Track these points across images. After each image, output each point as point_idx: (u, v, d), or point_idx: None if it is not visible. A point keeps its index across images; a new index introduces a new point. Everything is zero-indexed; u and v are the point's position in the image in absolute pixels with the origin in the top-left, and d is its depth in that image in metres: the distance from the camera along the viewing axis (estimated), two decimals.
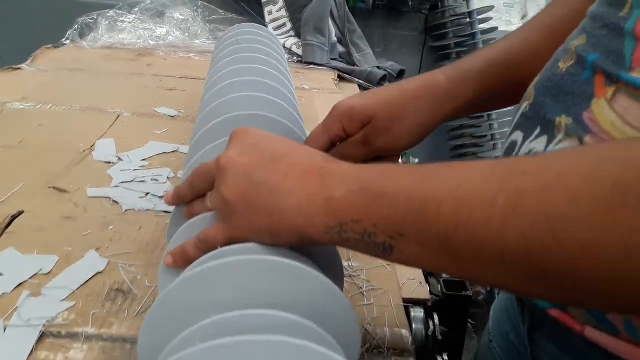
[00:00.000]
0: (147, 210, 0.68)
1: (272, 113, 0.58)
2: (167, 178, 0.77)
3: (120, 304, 0.52)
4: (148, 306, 0.52)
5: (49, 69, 1.23)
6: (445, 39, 1.83)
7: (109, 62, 1.33)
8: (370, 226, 0.31)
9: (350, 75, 1.45)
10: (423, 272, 0.60)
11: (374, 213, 0.31)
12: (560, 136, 0.37)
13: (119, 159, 0.81)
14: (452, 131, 1.93)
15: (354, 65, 1.52)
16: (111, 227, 0.63)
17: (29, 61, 1.26)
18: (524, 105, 0.44)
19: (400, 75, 1.58)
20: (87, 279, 0.54)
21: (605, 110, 0.34)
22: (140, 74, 1.24)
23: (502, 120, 1.87)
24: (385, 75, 1.47)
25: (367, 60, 1.56)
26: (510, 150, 0.43)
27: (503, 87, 0.51)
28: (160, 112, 1.01)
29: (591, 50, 0.38)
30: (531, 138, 0.41)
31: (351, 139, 0.52)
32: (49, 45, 1.37)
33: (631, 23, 0.35)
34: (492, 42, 1.82)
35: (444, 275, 0.59)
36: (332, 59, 1.52)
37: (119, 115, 0.97)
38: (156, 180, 0.76)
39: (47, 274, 0.55)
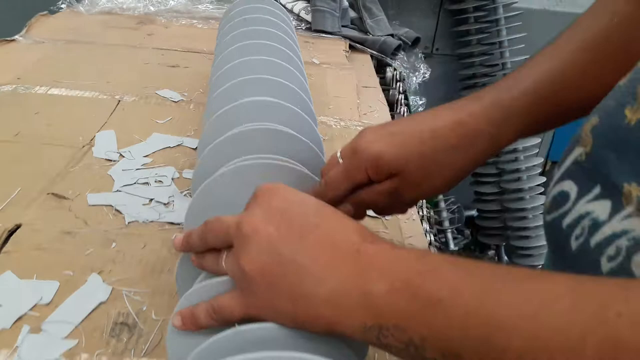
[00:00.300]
0: (152, 221, 0.64)
1: (280, 97, 0.58)
2: (172, 179, 0.72)
3: (125, 340, 0.49)
4: (155, 344, 0.49)
5: (44, 39, 1.16)
6: (463, 1, 1.72)
7: (108, 30, 1.26)
8: (417, 338, 0.27)
9: (363, 45, 1.37)
10: None
11: (423, 324, 0.26)
12: (629, 209, 0.31)
13: (120, 155, 0.77)
14: (464, 80, 1.84)
15: (366, 33, 1.44)
16: (114, 244, 0.59)
17: (23, 31, 1.19)
18: (579, 152, 0.37)
19: (415, 43, 1.49)
20: (90, 311, 0.51)
21: None
22: (140, 47, 1.17)
23: (515, 48, 1.74)
24: (399, 45, 1.40)
25: (381, 27, 1.47)
26: (560, 202, 0.37)
27: (551, 118, 0.45)
28: (163, 95, 0.96)
29: None
30: (588, 197, 0.35)
31: (377, 188, 0.46)
32: (45, 12, 1.29)
33: None
34: (514, 15, 1.71)
35: None
36: (343, 26, 1.44)
37: (119, 101, 0.91)
38: (160, 182, 0.72)
39: (47, 304, 0.52)
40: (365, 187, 0.47)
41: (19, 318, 0.50)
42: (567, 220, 0.36)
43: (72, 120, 0.84)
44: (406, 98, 1.20)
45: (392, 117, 1.02)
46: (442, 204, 2.02)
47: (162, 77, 1.03)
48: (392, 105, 1.12)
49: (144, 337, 0.50)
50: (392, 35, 1.43)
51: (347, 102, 1.02)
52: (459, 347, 0.25)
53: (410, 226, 0.71)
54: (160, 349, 0.48)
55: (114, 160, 0.75)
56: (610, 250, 0.32)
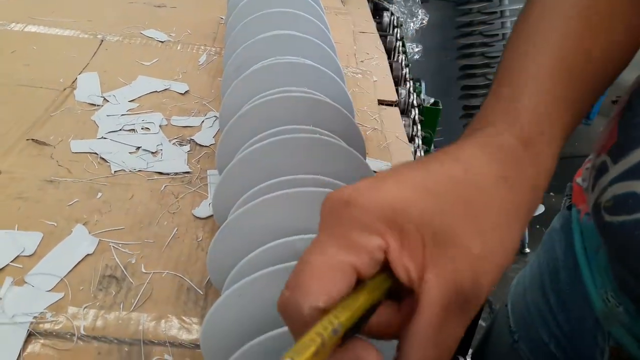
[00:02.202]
0: (139, 170, 0.61)
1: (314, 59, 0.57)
2: (160, 126, 0.69)
3: (114, 294, 0.47)
4: (146, 298, 0.47)
5: None
6: None
7: None
8: None
9: None
10: None
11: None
12: None
13: (104, 99, 0.72)
14: (462, 49, 1.80)
15: None
16: (99, 194, 0.56)
17: None
18: None
19: None
20: (75, 263, 0.49)
21: None
22: None
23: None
24: None
25: None
26: (632, 206, 0.33)
27: (584, 104, 0.34)
28: (148, 35, 0.90)
29: None
30: None
31: (426, 309, 0.25)
32: None
33: None
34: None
35: None
36: None
37: (102, 40, 0.86)
38: (147, 129, 0.68)
39: (30, 255, 0.49)
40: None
41: (1, 270, 0.47)
42: (634, 218, 0.32)
43: (51, 60, 0.79)
44: (403, 45, 1.15)
45: (390, 65, 0.98)
46: None
47: (147, 17, 0.97)
48: (389, 52, 1.07)
49: (133, 290, 0.48)
50: None
51: (344, 48, 0.97)
52: None
53: None
54: (151, 303, 0.47)
55: (98, 105, 0.71)
56: None
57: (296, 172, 0.42)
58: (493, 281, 0.25)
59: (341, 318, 0.22)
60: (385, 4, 1.27)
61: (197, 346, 0.44)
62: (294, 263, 0.34)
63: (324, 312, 0.22)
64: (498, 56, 1.76)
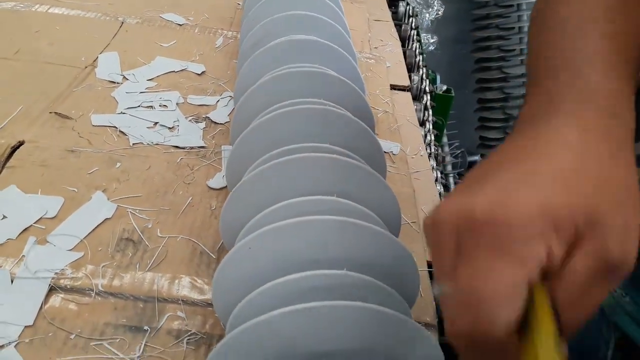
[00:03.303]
0: (157, 144, 0.63)
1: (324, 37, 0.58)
2: (176, 104, 0.71)
3: (130, 255, 0.49)
4: (160, 259, 0.49)
5: None
6: None
7: None
8: None
9: None
10: None
11: None
12: None
13: (124, 77, 0.75)
14: (478, 42, 1.80)
15: None
16: (118, 164, 0.59)
17: None
18: None
19: None
20: (95, 226, 0.51)
21: None
22: None
23: None
24: None
25: None
26: None
27: None
28: (167, 18, 0.93)
29: None
30: None
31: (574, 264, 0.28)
32: None
33: None
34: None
35: None
36: None
37: (122, 22, 0.88)
38: (165, 106, 0.70)
39: (52, 218, 0.52)
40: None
41: (25, 230, 0.50)
42: None
43: (74, 40, 0.82)
44: (418, 35, 1.16)
45: (404, 53, 0.99)
46: (447, 149, 2.00)
47: (166, 1, 0.99)
48: (403, 41, 1.08)
49: (148, 252, 0.50)
50: None
51: (358, 35, 0.98)
52: None
53: (417, 162, 0.71)
54: (166, 264, 0.49)
55: (118, 83, 0.74)
56: None
57: (305, 141, 0.44)
58: (636, 244, 0.26)
59: (551, 331, 0.23)
60: None
61: (209, 304, 0.46)
62: (300, 219, 0.36)
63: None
64: (514, 49, 1.76)
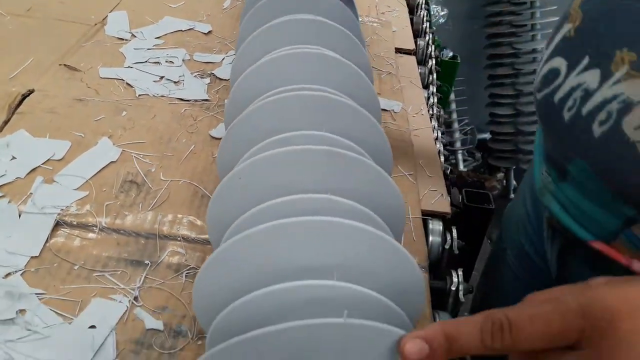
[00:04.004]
0: (162, 96, 0.64)
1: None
2: (182, 60, 0.72)
3: (134, 196, 0.51)
4: (162, 200, 0.51)
5: None
6: None
7: None
8: None
9: None
10: (445, 181, 0.58)
11: None
12: (619, 74, 0.32)
13: (132, 35, 0.76)
14: (489, 17, 1.78)
15: None
16: (124, 113, 0.60)
17: None
18: (567, 28, 0.38)
19: None
20: (100, 168, 0.53)
21: None
22: None
23: (547, 10, 1.70)
24: None
25: None
26: (551, 79, 0.38)
27: None
28: None
29: None
30: (578, 68, 0.35)
31: None
32: None
33: None
34: None
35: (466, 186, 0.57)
36: None
37: None
38: (171, 62, 0.71)
39: (59, 160, 0.53)
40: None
41: (33, 170, 0.52)
42: (559, 95, 0.37)
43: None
44: (427, 4, 1.15)
45: (411, 20, 0.99)
46: (456, 125, 2.00)
47: None
48: (412, 9, 1.08)
49: (151, 194, 0.52)
50: None
51: (365, 0, 0.98)
52: None
53: (419, 120, 0.72)
54: (168, 205, 0.51)
55: (126, 40, 0.75)
56: (602, 116, 0.33)
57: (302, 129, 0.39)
58: None
59: None
60: None
61: (208, 242, 0.48)
62: (292, 147, 0.36)
63: None
64: (525, 25, 1.74)
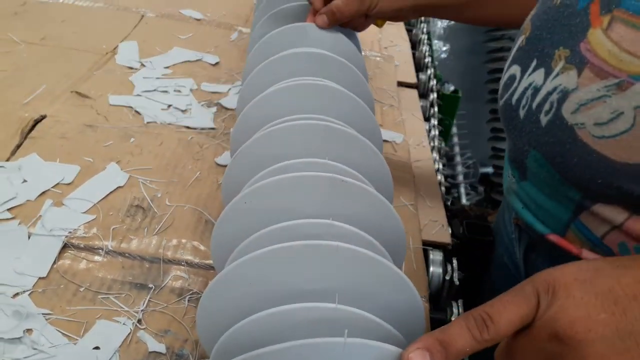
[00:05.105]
0: (169, 123, 0.66)
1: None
2: (190, 90, 0.74)
3: (140, 220, 0.52)
4: (167, 225, 0.52)
5: None
6: None
7: None
8: None
9: None
10: (446, 213, 0.59)
11: None
12: (558, 68, 0.38)
13: (142, 64, 0.79)
14: (491, 52, 1.82)
15: None
16: (132, 139, 0.62)
17: None
18: (521, 39, 0.44)
19: None
20: (107, 193, 0.54)
21: (602, 40, 0.35)
22: None
23: None
24: None
25: None
26: (509, 85, 0.44)
27: None
28: (185, 13, 0.97)
29: None
30: (529, 71, 0.41)
31: None
32: None
33: None
34: None
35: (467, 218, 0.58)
36: None
37: (143, 16, 0.93)
38: (179, 91, 0.74)
39: (69, 184, 0.55)
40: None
41: (43, 193, 0.53)
42: (515, 97, 0.42)
43: (97, 30, 0.86)
44: (429, 39, 1.19)
45: (413, 55, 1.02)
46: (458, 158, 2.02)
47: None
48: (414, 44, 1.11)
49: (156, 219, 0.53)
50: None
51: (368, 36, 1.01)
52: None
53: (420, 151, 0.73)
54: (172, 230, 0.52)
55: (136, 69, 0.77)
56: (546, 106, 0.38)
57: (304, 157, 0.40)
58: None
59: None
60: None
61: (211, 267, 0.49)
62: (296, 174, 0.37)
63: None
64: None
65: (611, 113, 0.33)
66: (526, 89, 0.41)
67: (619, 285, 0.27)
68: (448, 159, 2.00)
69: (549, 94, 0.38)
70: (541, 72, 0.39)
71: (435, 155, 0.77)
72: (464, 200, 2.02)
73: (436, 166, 0.74)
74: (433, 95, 0.92)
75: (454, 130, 1.87)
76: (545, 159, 0.39)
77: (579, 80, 0.35)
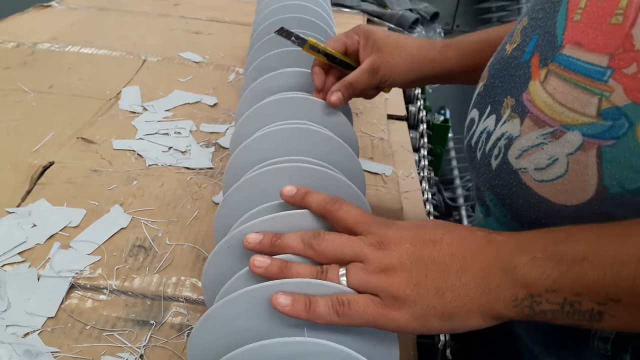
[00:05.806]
0: (170, 165, 0.70)
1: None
2: (190, 131, 0.78)
3: (142, 260, 0.56)
4: (167, 264, 0.56)
5: (77, 6, 1.24)
6: None
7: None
8: (571, 295, 0.29)
9: (381, 19, 1.41)
10: None
11: (575, 281, 0.29)
12: (505, 116, 0.40)
13: (144, 108, 0.83)
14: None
15: (385, 7, 1.47)
16: (135, 182, 0.66)
17: None
18: (480, 85, 0.46)
19: (434, 18, 1.52)
20: (111, 234, 0.58)
21: (539, 91, 0.37)
22: (167, 15, 1.23)
23: None
24: (417, 19, 1.43)
25: (400, 1, 1.50)
26: (470, 128, 0.47)
27: (479, 65, 0.53)
28: (185, 57, 1.02)
29: (531, 32, 0.39)
30: (484, 116, 0.43)
31: (360, 68, 0.56)
32: None
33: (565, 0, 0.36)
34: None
35: None
36: (362, 0, 1.47)
37: (144, 60, 0.98)
38: (179, 133, 0.78)
39: (75, 227, 0.58)
40: (352, 72, 0.56)
41: (51, 236, 0.57)
42: (474, 139, 0.45)
43: (101, 76, 0.91)
44: None
45: (404, 92, 1.06)
46: (458, 181, 2.05)
47: (185, 42, 1.09)
48: None
49: (157, 257, 0.56)
50: (410, 10, 1.46)
51: None
52: (615, 291, 0.28)
53: (408, 183, 0.76)
54: (172, 268, 0.55)
55: (138, 113, 0.82)
56: (496, 151, 0.41)
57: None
58: None
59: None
60: (406, 34, 1.36)
61: None
62: (276, 214, 0.41)
63: None
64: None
65: (548, 159, 0.36)
66: (482, 132, 0.43)
67: (428, 234, 0.34)
68: (448, 182, 2.03)
69: (498, 139, 0.40)
70: (493, 118, 0.42)
71: (425, 185, 0.81)
72: (465, 222, 2.04)
73: (425, 196, 0.77)
74: (423, 126, 0.96)
75: (452, 154, 1.91)
76: (497, 199, 0.42)
77: (522, 128, 0.38)
